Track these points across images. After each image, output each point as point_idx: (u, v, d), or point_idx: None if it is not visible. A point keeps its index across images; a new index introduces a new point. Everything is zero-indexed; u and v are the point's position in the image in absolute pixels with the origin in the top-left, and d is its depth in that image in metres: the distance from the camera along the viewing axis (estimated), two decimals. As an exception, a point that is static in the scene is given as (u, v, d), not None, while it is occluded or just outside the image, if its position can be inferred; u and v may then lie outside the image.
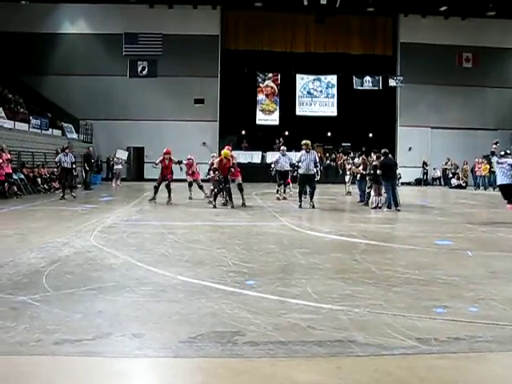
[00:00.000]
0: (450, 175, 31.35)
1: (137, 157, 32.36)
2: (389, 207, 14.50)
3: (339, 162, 31.91)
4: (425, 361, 3.72)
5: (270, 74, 34.74)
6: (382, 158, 15.10)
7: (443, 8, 32.08)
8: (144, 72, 32.87)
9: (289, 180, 18.69)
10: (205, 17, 32.51)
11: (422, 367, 3.65)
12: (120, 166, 27.81)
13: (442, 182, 32.73)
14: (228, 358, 3.71)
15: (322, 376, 3.49)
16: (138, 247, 8.25)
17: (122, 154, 28.90)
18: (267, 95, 34.87)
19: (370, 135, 36.03)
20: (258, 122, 34.74)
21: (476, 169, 29.27)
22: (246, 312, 4.74)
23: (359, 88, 34.06)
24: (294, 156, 21.60)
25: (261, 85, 34.85)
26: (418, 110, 33.10)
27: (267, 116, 34.81)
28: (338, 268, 6.83)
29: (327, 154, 34.60)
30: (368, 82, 34.28)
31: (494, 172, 28.96)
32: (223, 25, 33.28)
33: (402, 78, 33.78)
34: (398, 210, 14.35)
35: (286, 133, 35.23)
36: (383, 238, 9.54)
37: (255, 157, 33.25)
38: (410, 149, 33.34)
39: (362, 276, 6.30)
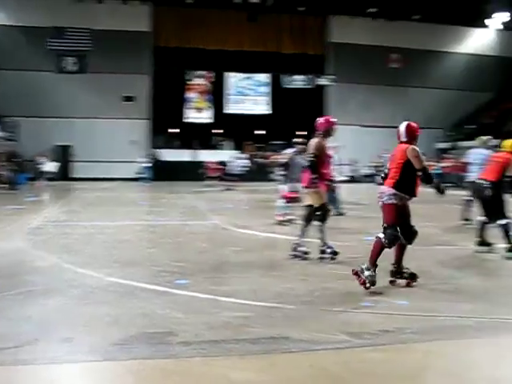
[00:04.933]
0: (379, 172, 32.11)
1: (63, 155, 31.41)
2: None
3: (270, 160, 32.04)
4: (357, 354, 3.80)
5: (203, 72, 34.59)
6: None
7: (372, 10, 32.88)
8: (72, 68, 31.94)
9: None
10: (135, 12, 31.90)
11: (354, 361, 3.72)
12: (47, 167, 26.96)
13: (373, 180, 33.47)
14: (160, 360, 3.65)
15: (256, 373, 3.49)
16: (67, 249, 8.00)
17: (52, 167, 27.90)
18: (200, 93, 34.70)
19: (303, 133, 36.42)
20: (188, 120, 34.49)
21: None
22: (178, 312, 4.69)
23: (288, 86, 34.43)
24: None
25: (192, 82, 34.64)
26: (349, 109, 33.73)
27: (199, 114, 34.64)
28: (270, 265, 6.86)
29: (259, 152, 34.69)
30: (300, 81, 34.71)
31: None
32: (154, 21, 32.77)
33: (333, 76, 34.40)
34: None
35: (220, 131, 35.18)
36: (315, 236, 9.63)
37: (186, 155, 32.93)
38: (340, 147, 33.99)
39: (295, 273, 6.37)
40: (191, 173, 26.83)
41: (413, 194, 5.74)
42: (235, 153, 18.92)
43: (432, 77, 35.50)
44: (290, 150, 11.71)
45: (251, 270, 6.50)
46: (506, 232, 7.64)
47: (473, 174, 10.10)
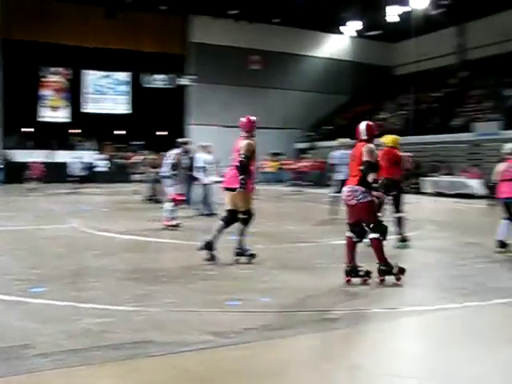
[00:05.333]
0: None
1: None
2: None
3: (130, 161, 31.28)
4: (221, 353, 3.79)
5: (59, 69, 33.00)
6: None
7: (233, 11, 33.34)
8: None
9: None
10: (-19, 2, 29.71)
11: (218, 360, 3.71)
12: None
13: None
14: (15, 376, 3.38)
15: (118, 380, 3.37)
16: None
17: None
18: (56, 90, 33.09)
19: (164, 133, 36.03)
20: (43, 119, 32.72)
21: (263, 166, 30.76)
22: (34, 322, 4.39)
23: (148, 86, 33.93)
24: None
25: (47, 79, 32.93)
26: (210, 109, 33.96)
27: (55, 113, 33.03)
28: (130, 268, 6.66)
29: (119, 153, 33.75)
30: (160, 80, 34.33)
31: (280, 168, 31.12)
32: (4, 11, 30.63)
33: (194, 77, 34.40)
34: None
35: (77, 130, 33.73)
36: (176, 236, 9.57)
37: (41, 155, 31.16)
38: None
39: (156, 275, 6.22)
40: (49, 174, 25.45)
41: (372, 189, 5.88)
42: (94, 153, 17.98)
43: (291, 79, 36.82)
44: (175, 151, 11.10)
45: (112, 274, 6.27)
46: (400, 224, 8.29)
47: (341, 174, 11.11)
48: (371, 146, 6.03)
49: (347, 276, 5.91)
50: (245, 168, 6.94)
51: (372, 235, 5.86)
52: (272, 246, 8.69)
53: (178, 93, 34.62)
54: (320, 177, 24.95)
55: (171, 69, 34.44)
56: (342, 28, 35.87)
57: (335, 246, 8.61)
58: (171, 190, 10.75)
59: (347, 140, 12.50)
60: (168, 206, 10.59)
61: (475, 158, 23.27)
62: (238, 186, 6.87)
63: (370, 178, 5.84)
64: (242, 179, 6.87)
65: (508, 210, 8.08)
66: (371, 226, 5.86)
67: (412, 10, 30.50)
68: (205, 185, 12.71)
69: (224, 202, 7.28)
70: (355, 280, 5.88)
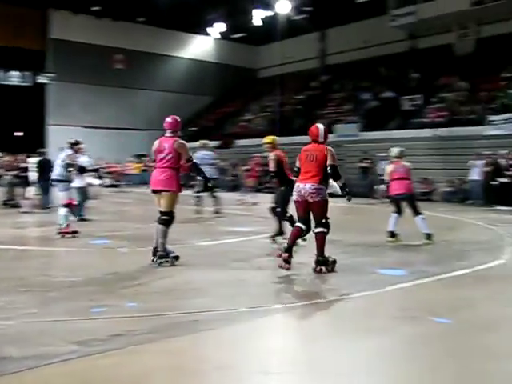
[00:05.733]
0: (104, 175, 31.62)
1: None
2: (46, 208, 14.05)
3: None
4: (86, 363, 3.61)
5: None
6: (42, 158, 14.60)
7: (96, 8, 32.25)
8: None
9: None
10: None
11: (83, 370, 3.53)
12: None
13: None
14: None
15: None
16: None
17: None
18: None
19: (20, 134, 34.00)
20: None
21: (127, 168, 30.05)
22: None
23: (3, 83, 31.71)
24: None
25: None
26: (71, 109, 32.53)
27: None
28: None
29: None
30: (16, 78, 32.26)
31: (145, 170, 30.47)
32: None
33: (53, 75, 32.74)
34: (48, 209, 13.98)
35: None
36: (36, 242, 9.09)
37: None
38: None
39: (13, 284, 5.77)
40: None
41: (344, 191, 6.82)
42: None
43: (156, 79, 36.39)
44: (66, 152, 10.01)
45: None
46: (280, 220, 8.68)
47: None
48: (333, 149, 6.67)
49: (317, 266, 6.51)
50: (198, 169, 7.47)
51: (320, 229, 6.49)
52: (138, 248, 8.50)
53: (36, 91, 32.72)
54: (187, 178, 24.87)
55: (30, 66, 32.43)
56: (207, 30, 36.15)
57: (202, 247, 8.65)
58: (65, 194, 9.74)
59: (207, 141, 13.61)
60: (62, 211, 9.60)
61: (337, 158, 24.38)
62: (173, 189, 6.84)
63: (340, 182, 6.72)
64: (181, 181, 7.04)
65: (397, 205, 9.18)
66: (322, 221, 6.50)
67: (276, 14, 31.46)
68: (80, 188, 12.12)
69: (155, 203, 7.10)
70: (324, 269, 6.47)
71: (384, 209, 10.78)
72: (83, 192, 12.18)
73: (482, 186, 17.15)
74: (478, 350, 3.96)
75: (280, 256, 6.69)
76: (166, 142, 7.05)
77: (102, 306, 4.94)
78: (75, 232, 9.53)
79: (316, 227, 6.54)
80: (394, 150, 9.53)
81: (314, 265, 6.52)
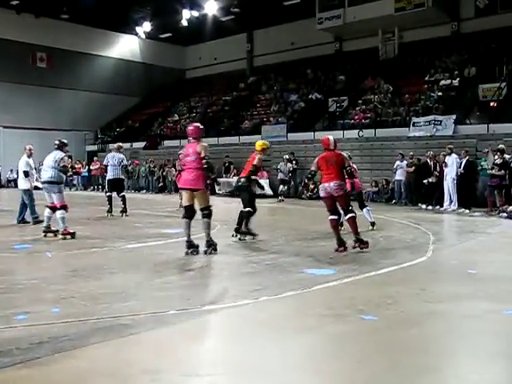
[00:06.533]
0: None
1: None
2: None
3: None
4: (8, 373, 3.44)
5: None
6: None
7: (15, 2, 31.03)
8: None
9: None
10: None
11: (5, 381, 3.36)
12: None
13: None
14: None
15: None
16: None
17: None
18: None
19: None
20: None
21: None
22: None
23: None
24: None
25: None
26: (-13, 109, 31.19)
27: None
28: None
29: None
30: None
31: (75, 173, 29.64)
32: None
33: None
34: None
35: None
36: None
37: None
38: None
39: None
40: None
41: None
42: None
43: (81, 79, 35.44)
44: (59, 154, 9.85)
45: None
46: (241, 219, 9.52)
47: (109, 174, 13.69)
48: (345, 154, 8.65)
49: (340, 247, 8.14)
50: (211, 169, 8.02)
51: (349, 215, 8.17)
52: (63, 252, 8.25)
53: None
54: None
55: None
56: (134, 29, 35.55)
57: (127, 250, 8.50)
58: (58, 196, 9.74)
59: (122, 145, 14.97)
60: (59, 214, 9.60)
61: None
62: (202, 187, 7.80)
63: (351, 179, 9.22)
64: (212, 179, 8.10)
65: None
66: (347, 208, 8.22)
67: (204, 14, 31.37)
68: (27, 190, 11.79)
69: (183, 199, 8.25)
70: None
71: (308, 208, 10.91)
72: (30, 194, 11.86)
73: (405, 185, 17.72)
74: (402, 346, 4.06)
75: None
76: (190, 147, 8.01)
77: (25, 313, 4.74)
78: (74, 233, 9.70)
79: (345, 215, 8.31)
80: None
81: (353, 243, 8.16)
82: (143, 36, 36.61)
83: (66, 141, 10.29)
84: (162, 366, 3.60)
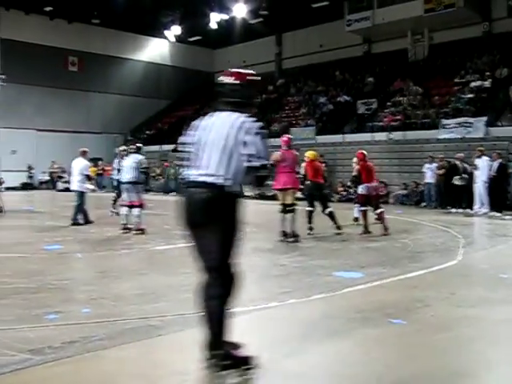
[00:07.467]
0: (57, 178, 31.07)
1: None
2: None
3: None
4: (40, 372, 3.51)
5: None
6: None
7: (48, 8, 31.53)
8: None
9: None
10: None
11: (37, 379, 3.43)
12: None
13: (51, 186, 32.17)
14: None
15: None
16: None
17: None
18: None
19: None
20: None
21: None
22: None
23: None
24: None
25: None
26: (22, 112, 31.68)
27: None
28: None
29: None
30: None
31: (100, 174, 30.04)
32: None
33: (2, 76, 31.79)
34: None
35: None
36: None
37: None
38: (14, 152, 31.60)
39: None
40: None
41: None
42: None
43: (112, 82, 35.79)
44: (139, 156, 10.87)
45: None
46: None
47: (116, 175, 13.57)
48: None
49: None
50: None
51: (380, 210, 10.41)
52: (93, 253, 8.35)
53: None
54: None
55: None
56: (163, 32, 35.78)
57: (155, 251, 8.55)
58: (137, 195, 10.67)
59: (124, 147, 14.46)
60: (138, 211, 10.58)
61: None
62: (296, 186, 9.71)
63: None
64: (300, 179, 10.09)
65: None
66: (377, 205, 10.50)
67: (233, 17, 31.41)
68: (83, 193, 12.31)
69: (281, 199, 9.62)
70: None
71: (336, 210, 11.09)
72: (85, 197, 12.35)
73: (435, 188, 17.52)
74: (432, 350, 4.01)
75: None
76: (286, 154, 9.29)
77: (56, 313, 4.82)
78: (144, 229, 10.57)
79: (375, 210, 10.46)
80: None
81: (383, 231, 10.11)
82: (173, 39, 36.84)
83: (141, 145, 11.54)
84: (191, 367, 3.62)
